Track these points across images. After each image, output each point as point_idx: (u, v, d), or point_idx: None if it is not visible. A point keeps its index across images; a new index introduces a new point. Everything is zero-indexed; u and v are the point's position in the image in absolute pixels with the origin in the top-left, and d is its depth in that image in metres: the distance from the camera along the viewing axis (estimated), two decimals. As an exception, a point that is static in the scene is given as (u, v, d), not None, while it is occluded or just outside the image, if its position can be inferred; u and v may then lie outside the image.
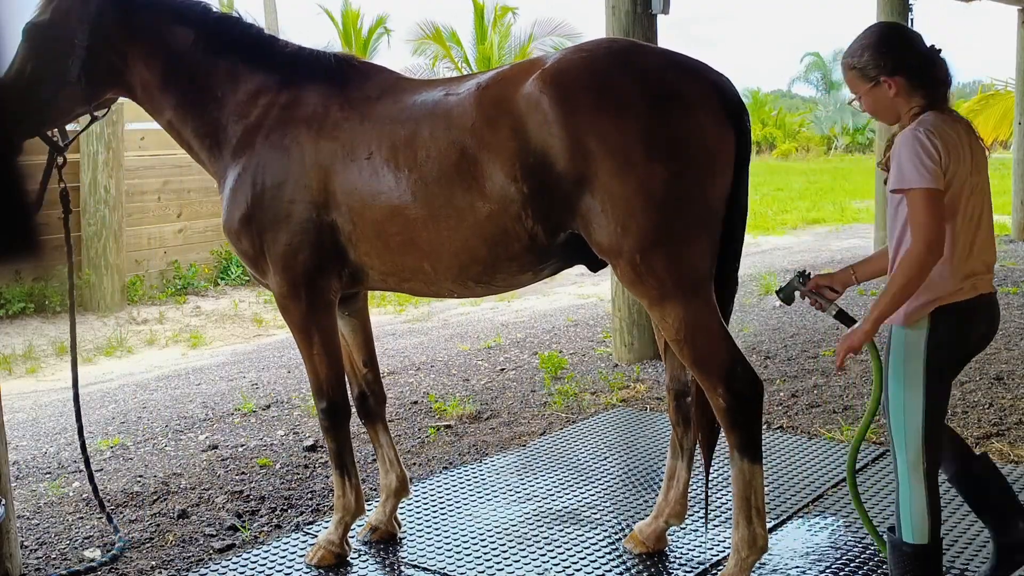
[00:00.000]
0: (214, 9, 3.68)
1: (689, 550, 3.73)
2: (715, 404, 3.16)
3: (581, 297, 10.24)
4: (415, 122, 3.26)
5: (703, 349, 3.11)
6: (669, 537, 3.76)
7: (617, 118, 2.99)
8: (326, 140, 3.39)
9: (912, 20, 9.72)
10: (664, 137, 2.99)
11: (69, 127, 3.87)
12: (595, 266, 3.33)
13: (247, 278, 11.89)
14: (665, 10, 6.48)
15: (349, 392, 3.87)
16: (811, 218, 18.35)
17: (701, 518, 3.99)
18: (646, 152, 2.97)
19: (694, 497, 4.05)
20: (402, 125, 3.28)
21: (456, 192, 3.16)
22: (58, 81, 3.51)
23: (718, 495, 4.21)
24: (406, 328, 9.06)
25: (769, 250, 13.84)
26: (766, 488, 4.25)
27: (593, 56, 3.14)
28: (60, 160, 3.73)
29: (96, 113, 3.75)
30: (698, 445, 3.55)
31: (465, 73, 22.74)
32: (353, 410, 3.79)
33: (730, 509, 4.04)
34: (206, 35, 3.57)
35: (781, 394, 5.84)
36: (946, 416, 3.01)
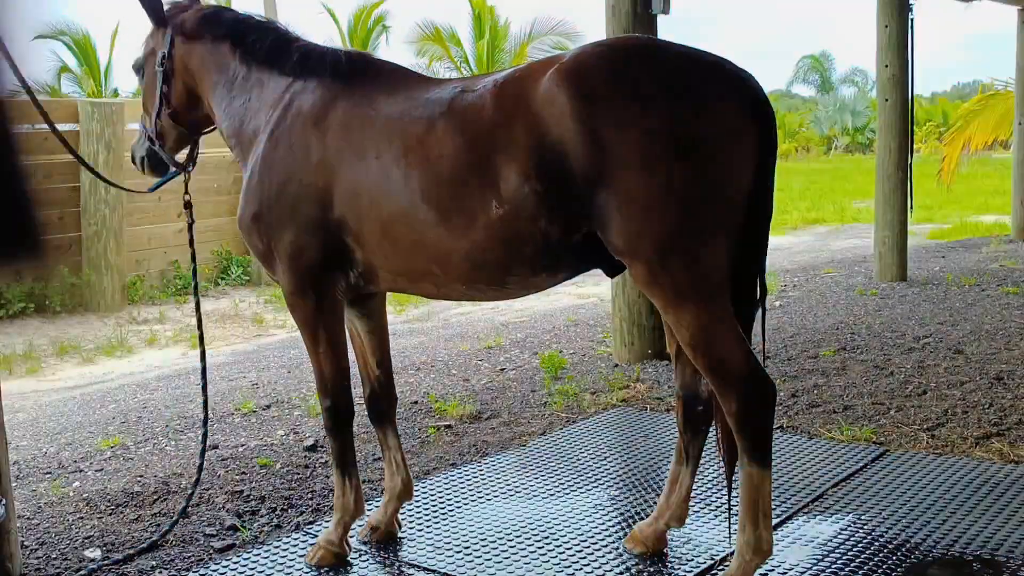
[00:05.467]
0: (250, 18, 3.80)
1: (689, 550, 3.73)
2: (727, 409, 3.10)
3: (581, 297, 10.24)
4: (428, 121, 3.22)
5: (718, 354, 3.04)
6: (669, 537, 3.76)
7: (636, 113, 2.91)
8: (332, 138, 3.39)
9: (912, 20, 9.72)
10: (684, 134, 2.91)
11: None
12: (613, 270, 3.25)
13: (247, 278, 11.89)
14: (665, 10, 6.49)
15: (362, 392, 3.88)
16: (811, 218, 18.37)
17: (702, 519, 3.99)
18: (665, 149, 2.89)
19: (696, 500, 4.05)
20: (414, 124, 3.24)
21: (468, 193, 3.09)
22: (160, 109, 3.85)
23: (718, 494, 4.21)
24: (406, 328, 9.06)
25: (770, 250, 13.83)
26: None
27: (612, 51, 3.08)
28: (187, 176, 4.06)
29: (205, 130, 4.02)
30: (715, 451, 3.50)
31: (465, 73, 22.69)
32: (360, 411, 3.79)
33: (732, 507, 4.05)
34: (241, 44, 3.71)
35: (781, 394, 5.84)
36: None
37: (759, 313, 3.32)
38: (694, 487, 4.26)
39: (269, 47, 3.67)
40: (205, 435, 4.17)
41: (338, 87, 3.48)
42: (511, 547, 3.80)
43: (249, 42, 3.70)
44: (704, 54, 3.11)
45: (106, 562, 3.76)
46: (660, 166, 2.90)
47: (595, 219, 3.01)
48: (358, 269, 3.44)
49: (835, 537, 3.83)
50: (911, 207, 9.91)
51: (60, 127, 3.95)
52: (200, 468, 4.13)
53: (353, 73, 3.51)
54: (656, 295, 3.05)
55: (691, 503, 4.09)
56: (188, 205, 4.08)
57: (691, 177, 2.91)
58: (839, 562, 3.61)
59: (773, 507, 4.06)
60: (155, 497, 4.45)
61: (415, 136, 3.22)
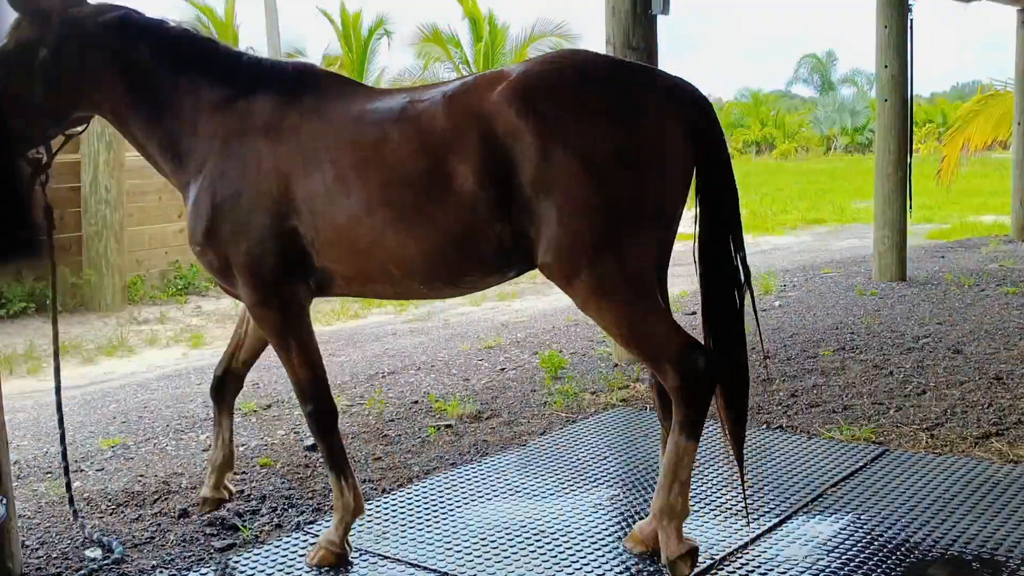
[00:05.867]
0: (173, 25, 3.71)
1: (689, 549, 3.74)
2: (668, 385, 3.30)
3: (581, 297, 10.24)
4: (380, 127, 3.35)
5: (651, 346, 3.28)
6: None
7: (577, 126, 3.15)
8: (284, 146, 3.44)
9: (912, 20, 9.72)
10: (618, 143, 3.15)
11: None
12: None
13: (247, 278, 11.88)
14: (665, 10, 6.49)
15: (215, 368, 4.04)
16: (811, 218, 18.38)
17: (702, 519, 4.00)
18: (601, 157, 3.13)
19: (695, 496, 4.06)
20: (367, 130, 3.37)
21: (426, 196, 3.25)
22: (28, 106, 3.53)
23: (719, 494, 4.22)
24: (406, 328, 9.06)
25: (769, 250, 13.86)
26: (766, 487, 4.28)
27: (557, 67, 3.31)
28: (43, 178, 3.66)
29: (69, 132, 3.77)
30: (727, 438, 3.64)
31: (465, 73, 22.71)
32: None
33: (731, 507, 4.06)
34: (165, 52, 3.59)
35: (781, 394, 5.85)
36: None
37: (749, 302, 3.49)
38: (695, 487, 4.26)
39: (201, 57, 3.62)
40: (67, 468, 4.03)
41: (287, 97, 3.52)
42: (511, 547, 3.80)
43: (175, 50, 3.61)
44: (638, 66, 3.52)
45: (106, 561, 3.77)
46: (594, 173, 3.13)
47: (534, 224, 3.20)
48: (314, 275, 3.51)
49: (835, 537, 3.84)
50: (910, 207, 9.91)
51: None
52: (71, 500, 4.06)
53: (301, 84, 3.57)
54: (575, 293, 3.28)
55: (691, 503, 4.10)
56: (49, 211, 3.67)
57: (621, 182, 3.16)
58: (838, 562, 3.61)
59: (774, 507, 4.10)
60: (156, 497, 4.46)
61: (369, 143, 3.35)
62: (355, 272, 3.47)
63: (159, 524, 4.14)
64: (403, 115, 3.34)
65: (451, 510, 4.18)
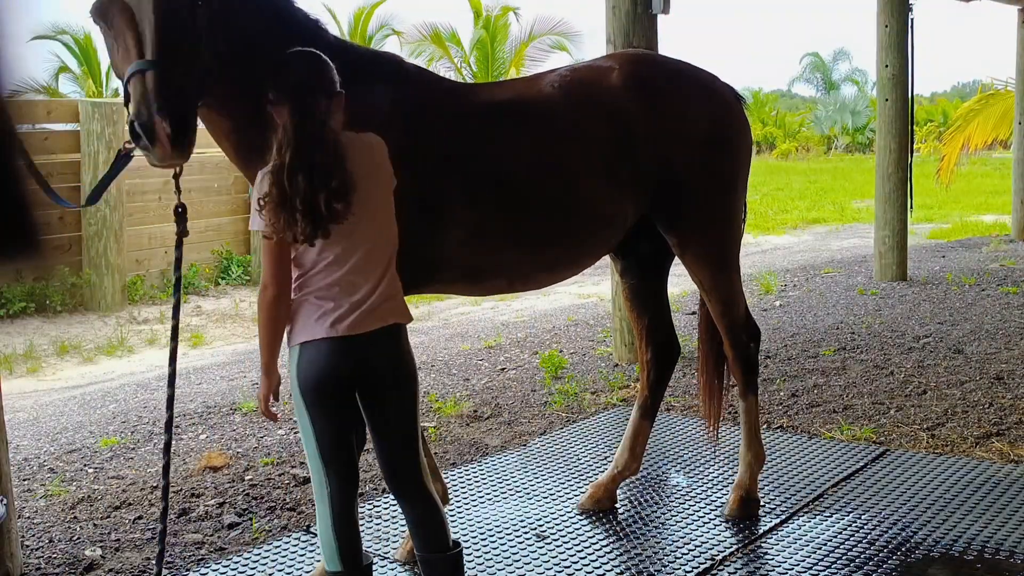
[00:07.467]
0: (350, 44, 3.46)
1: (689, 550, 3.73)
2: (737, 351, 3.94)
3: (581, 297, 10.24)
4: (551, 120, 3.48)
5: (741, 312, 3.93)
6: (669, 537, 3.76)
7: (700, 118, 3.72)
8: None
9: (912, 20, 9.71)
10: (730, 132, 3.81)
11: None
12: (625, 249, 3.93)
13: (247, 278, 11.88)
14: (665, 10, 6.48)
15: None
16: (811, 218, 18.35)
17: (702, 519, 4.00)
18: (724, 148, 3.75)
19: (694, 495, 4.05)
20: (540, 124, 3.48)
21: (596, 182, 3.51)
22: (195, 61, 2.90)
23: (719, 495, 4.21)
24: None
25: (769, 250, 13.84)
26: (767, 487, 4.26)
27: (675, 65, 3.89)
28: (178, 169, 3.11)
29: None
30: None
31: (465, 72, 22.56)
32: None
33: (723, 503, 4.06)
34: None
35: (781, 394, 5.84)
36: (346, 440, 2.96)
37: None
38: (695, 488, 4.27)
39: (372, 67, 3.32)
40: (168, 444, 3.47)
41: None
42: (511, 547, 3.80)
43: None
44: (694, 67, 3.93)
45: (105, 560, 3.76)
46: (720, 161, 3.79)
47: (661, 206, 3.68)
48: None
49: (835, 537, 3.83)
50: (911, 207, 9.90)
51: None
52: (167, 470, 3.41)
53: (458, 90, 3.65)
54: (704, 265, 3.79)
55: (691, 503, 4.11)
56: (182, 212, 3.16)
57: (738, 169, 3.83)
58: (839, 561, 3.61)
59: (775, 506, 4.10)
60: (156, 497, 4.45)
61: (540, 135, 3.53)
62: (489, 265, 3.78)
63: (158, 523, 4.13)
64: (565, 104, 3.64)
65: (451, 510, 4.17)
